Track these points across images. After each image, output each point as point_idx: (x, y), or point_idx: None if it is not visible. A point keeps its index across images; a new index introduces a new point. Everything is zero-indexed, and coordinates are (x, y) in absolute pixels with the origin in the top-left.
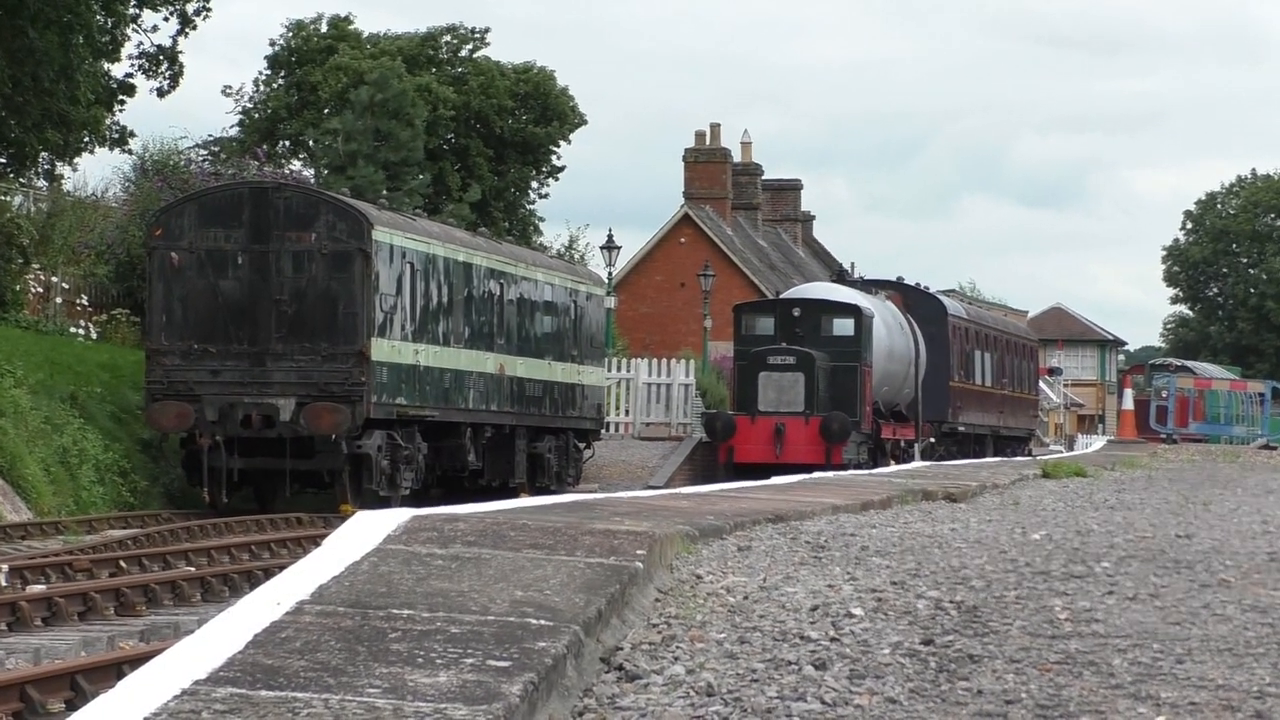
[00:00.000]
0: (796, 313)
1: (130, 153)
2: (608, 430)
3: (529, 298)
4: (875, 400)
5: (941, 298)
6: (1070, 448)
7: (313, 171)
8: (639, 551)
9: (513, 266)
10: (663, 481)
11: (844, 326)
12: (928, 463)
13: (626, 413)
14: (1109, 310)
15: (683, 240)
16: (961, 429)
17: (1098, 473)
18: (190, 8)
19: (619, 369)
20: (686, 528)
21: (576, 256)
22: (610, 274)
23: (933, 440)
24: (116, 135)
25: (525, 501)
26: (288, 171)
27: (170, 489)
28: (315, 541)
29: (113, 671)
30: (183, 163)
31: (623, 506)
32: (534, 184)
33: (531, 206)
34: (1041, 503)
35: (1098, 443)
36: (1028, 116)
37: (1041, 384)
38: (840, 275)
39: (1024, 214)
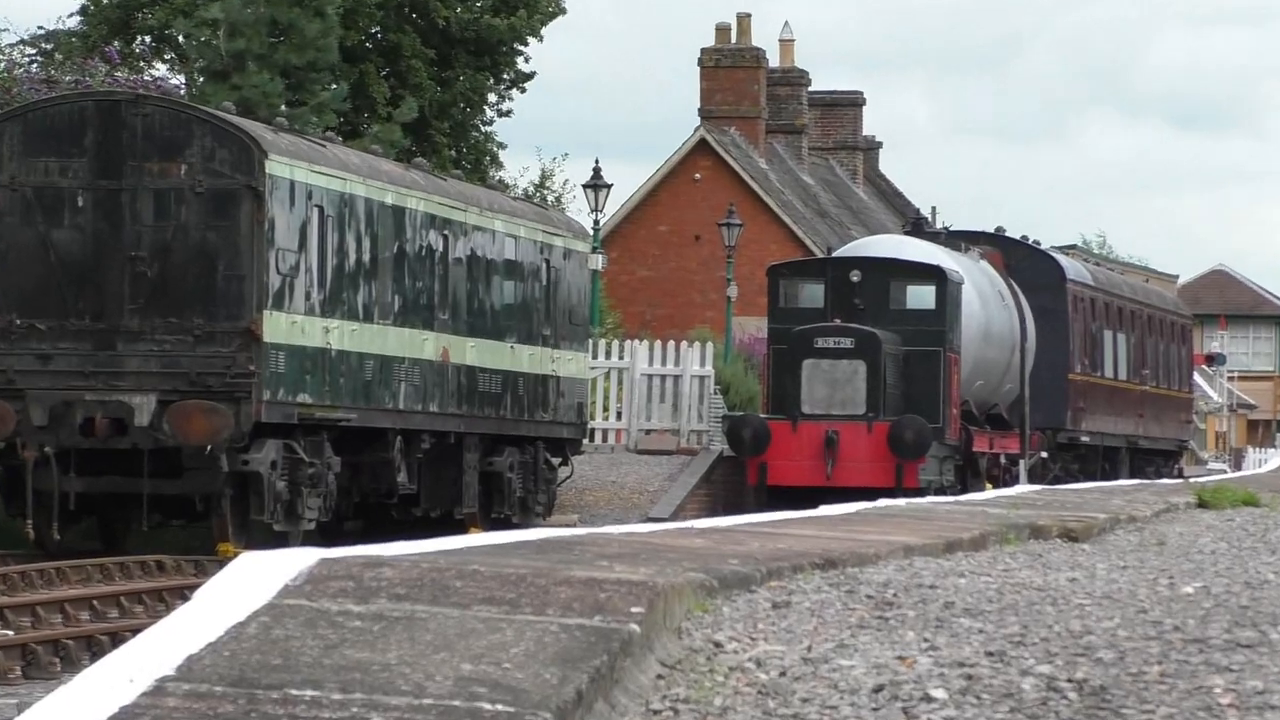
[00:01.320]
0: (855, 277)
1: None
2: (592, 440)
3: (484, 256)
4: (965, 400)
5: (1058, 257)
6: (1237, 466)
7: (183, 79)
8: (634, 609)
9: (462, 212)
10: (668, 511)
11: (921, 297)
12: (1038, 487)
13: (619, 416)
14: None
15: (698, 176)
16: (1085, 439)
17: (1276, 502)
18: None
19: (608, 355)
20: (701, 576)
21: (551, 199)
22: (597, 223)
23: (1044, 455)
24: None
25: (478, 539)
26: (148, 79)
27: None
28: (183, 595)
29: None
30: (1, 67)
31: (613, 546)
32: (492, 98)
33: (489, 129)
34: (1196, 543)
35: (1276, 459)
36: (1175, 2)
37: (1197, 377)
38: (917, 225)
39: (1171, 139)
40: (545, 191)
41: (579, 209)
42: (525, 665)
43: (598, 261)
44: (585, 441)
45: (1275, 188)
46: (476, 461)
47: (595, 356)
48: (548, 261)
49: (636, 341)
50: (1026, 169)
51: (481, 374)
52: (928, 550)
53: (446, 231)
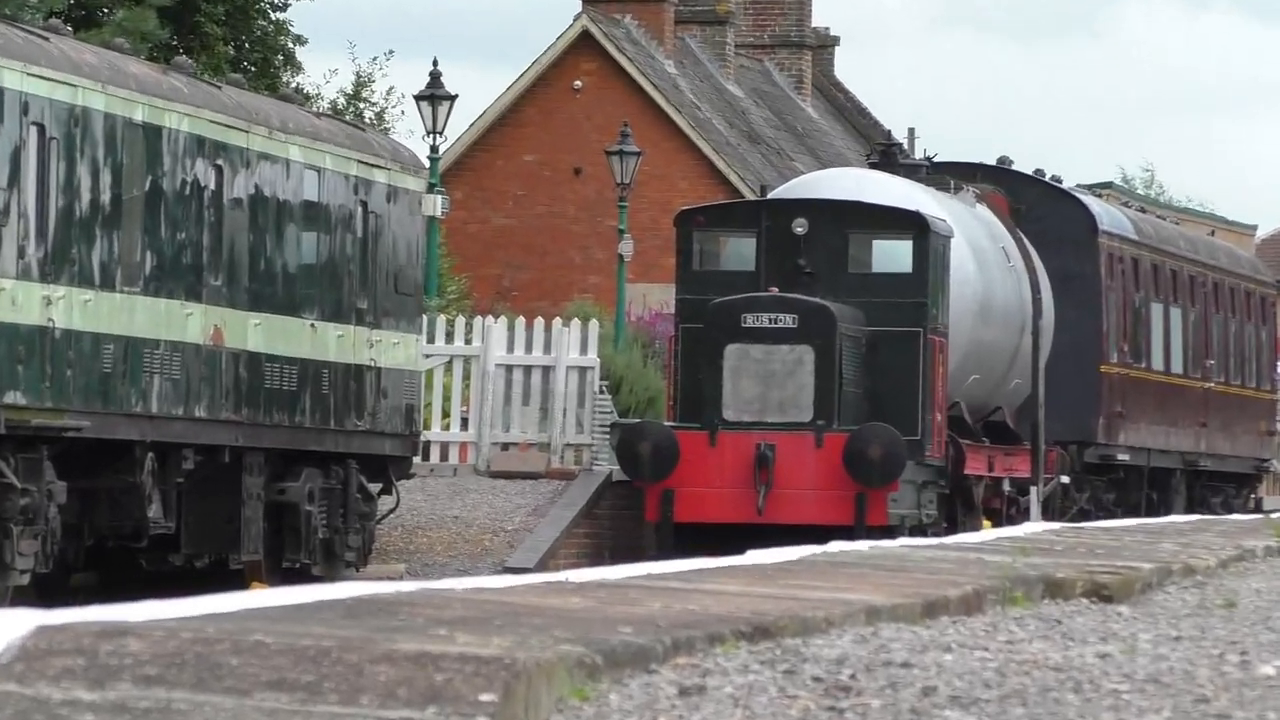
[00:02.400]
0: (800, 228)
1: None
2: (427, 458)
3: (274, 196)
4: (954, 401)
5: (1087, 201)
6: None
7: None
8: (484, 697)
9: (243, 134)
10: (534, 559)
11: (894, 256)
12: (1056, 525)
13: (465, 424)
14: None
15: (579, 85)
16: (1123, 458)
17: None
18: None
19: (450, 338)
20: (580, 650)
21: (370, 116)
22: (436, 151)
23: (1066, 480)
24: None
25: (263, 597)
26: None
27: None
28: None
29: None
30: None
31: (455, 608)
32: None
33: (280, 16)
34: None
35: None
36: None
37: None
38: (887, 155)
39: (1249, 35)
40: (362, 105)
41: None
42: None
43: (436, 205)
44: (417, 460)
45: None
46: (261, 488)
47: (432, 340)
48: (365, 204)
49: (490, 319)
50: (1042, 76)
51: (269, 364)
52: (900, 613)
53: (221, 161)
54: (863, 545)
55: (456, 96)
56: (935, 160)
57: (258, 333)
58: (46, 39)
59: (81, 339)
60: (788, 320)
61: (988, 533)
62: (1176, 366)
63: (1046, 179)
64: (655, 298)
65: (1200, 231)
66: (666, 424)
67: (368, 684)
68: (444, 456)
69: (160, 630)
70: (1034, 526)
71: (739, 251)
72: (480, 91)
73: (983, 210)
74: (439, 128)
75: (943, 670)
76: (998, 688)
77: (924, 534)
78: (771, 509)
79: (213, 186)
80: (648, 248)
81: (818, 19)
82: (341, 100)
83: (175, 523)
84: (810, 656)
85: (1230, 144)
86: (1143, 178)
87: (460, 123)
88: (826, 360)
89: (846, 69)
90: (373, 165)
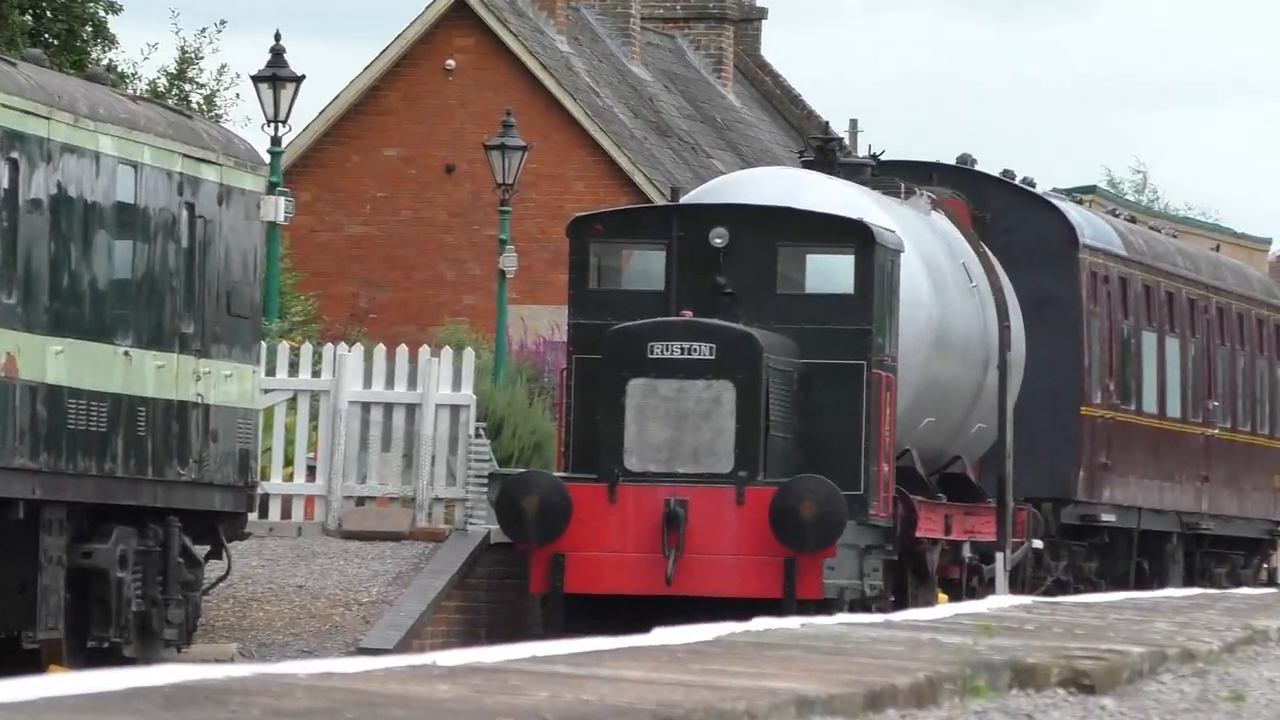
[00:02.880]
0: (720, 240)
1: None
2: (265, 514)
3: (80, 195)
4: (904, 449)
5: (1066, 208)
6: None
7: None
8: None
9: (42, 121)
10: (395, 638)
11: (831, 274)
12: (1027, 599)
13: (312, 472)
14: None
15: (452, 64)
16: (1108, 519)
17: None
18: None
19: (295, 370)
20: None
21: (198, 101)
22: (279, 143)
23: (1038, 545)
24: None
25: (64, 684)
26: None
27: None
28: None
29: None
30: None
31: (298, 696)
32: None
33: None
34: None
35: None
36: None
37: None
38: (825, 152)
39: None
40: (188, 88)
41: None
42: None
43: (278, 208)
44: (253, 517)
45: None
46: (63, 550)
47: (272, 372)
48: (191, 207)
49: (344, 346)
50: (1012, 60)
51: (73, 400)
52: (837, 706)
53: (15, 154)
54: (793, 622)
55: (303, 78)
56: (882, 159)
57: (59, 362)
58: None
59: None
60: (704, 350)
61: (944, 608)
62: (1173, 409)
63: (1016, 182)
64: (544, 322)
65: (1203, 246)
66: (556, 475)
67: None
68: (286, 513)
69: None
70: (1000, 601)
71: (645, 267)
72: (332, 72)
73: (939, 219)
74: (282, 115)
75: None
76: None
77: (867, 609)
78: (683, 578)
79: (4, 185)
80: (535, 262)
81: None
82: (163, 81)
83: None
84: None
85: (1239, 141)
86: (1133, 181)
87: (308, 110)
88: (750, 399)
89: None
90: (201, 160)
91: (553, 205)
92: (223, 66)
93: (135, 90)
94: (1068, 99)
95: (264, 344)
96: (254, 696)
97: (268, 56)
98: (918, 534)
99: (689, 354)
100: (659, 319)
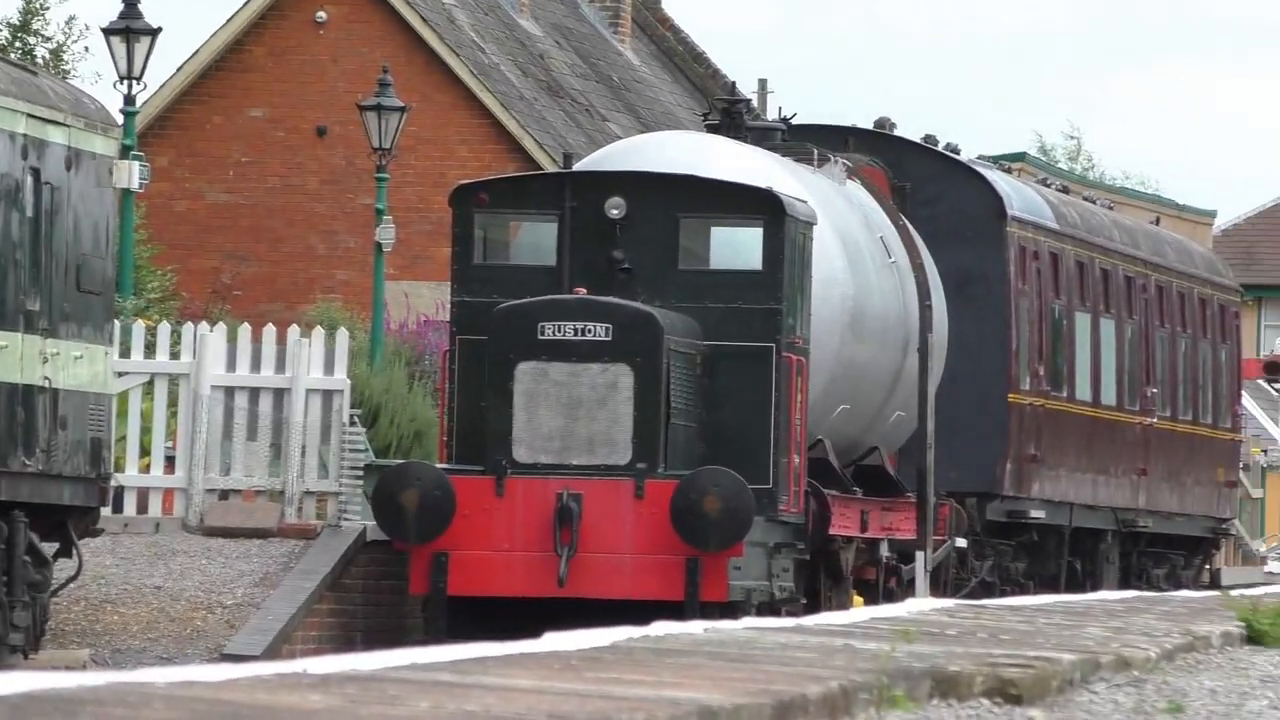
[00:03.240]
0: (617, 211)
1: None
2: (119, 509)
3: None
4: (817, 439)
5: (993, 177)
6: None
7: None
8: None
9: None
10: (263, 643)
11: (738, 248)
12: (950, 601)
13: (171, 463)
14: None
15: (323, 17)
16: (1037, 515)
17: None
18: None
19: (152, 352)
20: None
21: (42, 57)
22: (133, 103)
23: (962, 544)
24: None
25: None
26: None
27: None
28: None
29: None
30: None
31: (156, 707)
32: None
33: None
34: (1241, 709)
35: None
36: None
37: (1249, 402)
38: (731, 115)
39: None
40: (32, 41)
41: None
42: None
43: (132, 174)
44: (106, 512)
45: None
46: None
47: (127, 353)
48: (36, 173)
49: (205, 326)
50: (932, 14)
51: None
52: (743, 717)
53: None
54: (696, 627)
55: (160, 30)
56: (794, 123)
57: None
58: None
59: None
60: (599, 331)
61: (860, 611)
62: (1108, 397)
63: (939, 149)
64: (424, 300)
65: (1141, 219)
66: (439, 467)
67: None
68: (142, 508)
69: None
70: (921, 604)
71: (535, 240)
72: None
73: (855, 189)
74: (136, 72)
75: None
76: None
77: (776, 613)
78: (577, 579)
79: None
80: (414, 234)
81: None
82: (4, 34)
83: None
84: None
85: (1182, 105)
86: (1066, 148)
87: (165, 66)
88: (650, 384)
89: (677, 1)
90: (47, 121)
91: (434, 172)
92: (71, 18)
93: None
94: (995, 56)
95: (117, 323)
96: (108, 707)
97: (120, 7)
98: (831, 531)
99: (583, 335)
100: (550, 297)
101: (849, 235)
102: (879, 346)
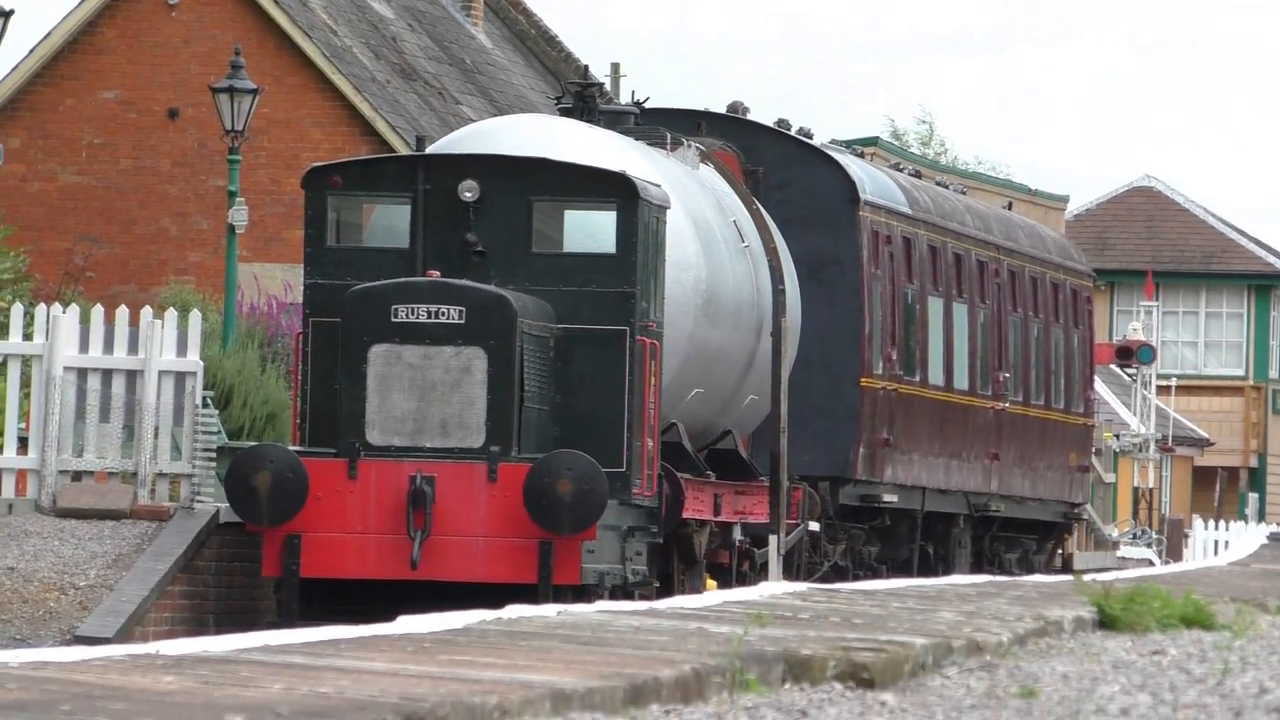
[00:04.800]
0: (470, 193)
1: None
2: None
3: None
4: (670, 423)
5: (845, 161)
6: (1173, 553)
7: None
8: None
9: None
10: (115, 626)
11: (592, 231)
12: (802, 585)
13: (24, 444)
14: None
15: (175, 0)
16: (890, 499)
17: (1246, 619)
18: None
19: (3, 331)
20: None
21: None
22: None
23: (815, 527)
24: None
25: None
26: None
27: None
28: None
29: None
30: None
31: (9, 687)
32: None
33: None
34: (1094, 695)
35: (1246, 538)
36: None
37: (1101, 387)
38: (584, 98)
39: None
40: None
41: None
42: None
43: None
44: None
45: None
46: None
47: None
48: None
49: (58, 307)
50: None
51: None
52: (596, 700)
53: None
54: (549, 610)
55: (11, 13)
56: (646, 106)
57: None
58: None
59: None
60: (452, 314)
61: (713, 595)
62: (961, 381)
63: (792, 133)
64: (277, 282)
65: (994, 204)
66: (291, 449)
67: None
68: None
69: None
70: (773, 588)
71: (388, 223)
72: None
73: (708, 173)
74: None
75: None
76: None
77: (630, 596)
78: (429, 562)
79: None
80: (267, 216)
81: None
82: None
83: None
84: None
85: (1034, 88)
86: (918, 132)
87: (17, 48)
88: (503, 367)
89: None
90: None
91: (287, 154)
92: None
93: None
94: (846, 40)
95: None
96: None
97: None
98: (685, 515)
99: (436, 318)
100: (403, 279)
101: (702, 219)
102: (732, 330)
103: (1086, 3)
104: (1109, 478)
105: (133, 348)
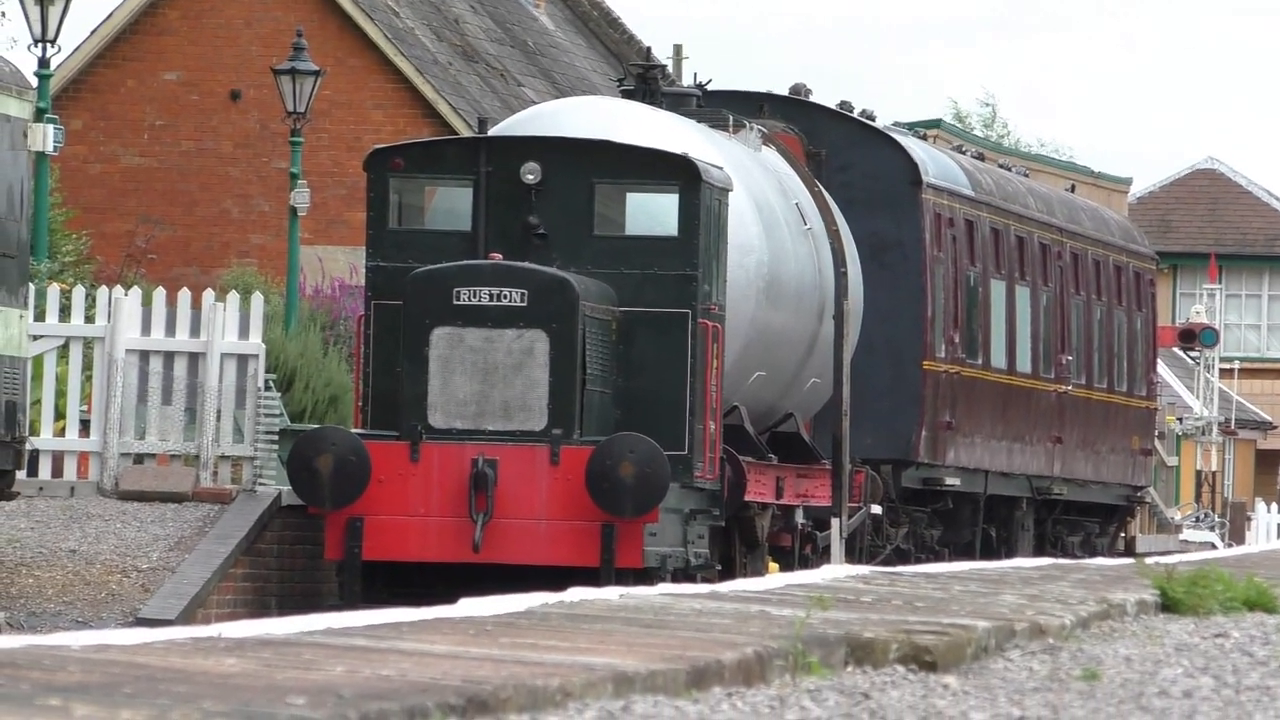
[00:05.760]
0: (532, 176)
1: None
2: (34, 472)
3: None
4: (733, 405)
5: (908, 144)
6: (1236, 536)
7: None
8: None
9: None
10: (178, 608)
11: (654, 214)
12: (865, 568)
13: (86, 427)
14: None
15: None
16: (952, 482)
17: None
18: None
19: (66, 315)
20: None
21: None
22: (46, 64)
23: (877, 510)
24: None
25: None
26: None
27: None
28: None
29: None
30: None
31: (71, 669)
32: None
33: None
34: (1156, 678)
35: None
36: None
37: (1164, 370)
38: (646, 80)
39: None
40: None
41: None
42: None
43: (47, 137)
44: (21, 475)
45: None
46: None
47: (41, 317)
48: None
49: (120, 290)
50: None
51: None
52: (659, 683)
53: None
54: (611, 593)
55: None
56: (709, 89)
57: None
58: None
59: None
60: (514, 297)
61: (775, 578)
62: (1023, 364)
63: (855, 115)
64: (340, 265)
65: (1057, 186)
66: (353, 432)
67: None
68: (58, 471)
69: None
70: (836, 570)
71: (450, 205)
72: None
73: (771, 155)
74: (50, 34)
75: None
76: None
77: (691, 579)
78: (491, 545)
79: None
80: (329, 198)
81: None
82: None
83: None
84: None
85: (1097, 71)
86: (981, 115)
87: (79, 28)
88: (565, 350)
89: None
90: None
91: (349, 136)
92: None
93: None
94: (908, 24)
95: (32, 286)
96: (24, 670)
97: None
98: (747, 498)
99: (498, 301)
100: (465, 262)
101: (764, 201)
102: (794, 313)
103: None
104: (1171, 461)
105: (195, 330)
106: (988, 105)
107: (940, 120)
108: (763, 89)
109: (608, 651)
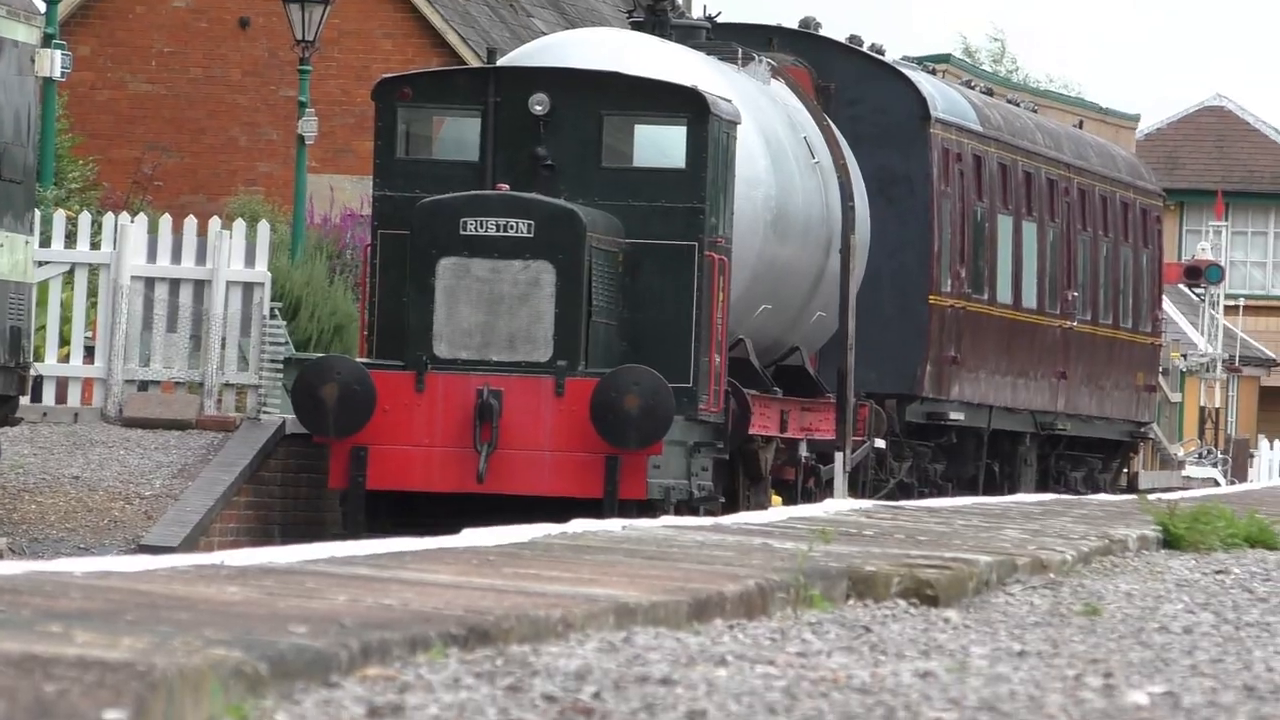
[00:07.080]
0: (540, 107)
1: None
2: (37, 398)
3: None
4: (738, 339)
5: (917, 78)
6: (1238, 472)
7: None
8: (110, 715)
9: None
10: (180, 535)
11: (661, 145)
12: (869, 502)
13: (90, 353)
14: None
15: None
16: (956, 417)
17: None
18: None
19: (72, 241)
20: (239, 655)
21: None
22: None
23: (881, 445)
24: None
25: None
26: None
27: None
28: None
29: None
30: None
31: (73, 597)
32: None
33: None
34: (1157, 613)
35: None
36: None
37: (1169, 306)
38: (655, 13)
39: None
40: None
41: None
42: None
43: (54, 63)
44: (24, 401)
45: None
46: None
47: (47, 243)
48: None
49: (126, 216)
50: None
51: None
52: (660, 615)
53: None
54: (614, 524)
55: None
56: (718, 21)
57: None
58: None
59: None
60: (521, 227)
61: (778, 511)
62: (1029, 300)
63: (864, 49)
64: (347, 193)
65: (1065, 122)
66: (359, 361)
67: None
68: (61, 398)
69: None
70: (839, 504)
71: (458, 135)
72: None
73: (779, 89)
74: None
75: (714, 689)
76: (785, 713)
77: (695, 512)
78: (496, 476)
79: None
80: (337, 127)
81: None
82: None
83: None
84: (542, 669)
85: (1106, 7)
86: (990, 50)
87: None
88: (571, 281)
89: None
90: None
91: (357, 65)
92: None
93: None
94: None
95: (38, 212)
96: (25, 596)
97: None
98: (751, 431)
99: (505, 231)
100: (473, 192)
101: (772, 135)
102: (801, 246)
103: None
104: (1175, 397)
105: (200, 258)
106: (997, 40)
107: (949, 55)
108: (772, 22)
109: (610, 583)
